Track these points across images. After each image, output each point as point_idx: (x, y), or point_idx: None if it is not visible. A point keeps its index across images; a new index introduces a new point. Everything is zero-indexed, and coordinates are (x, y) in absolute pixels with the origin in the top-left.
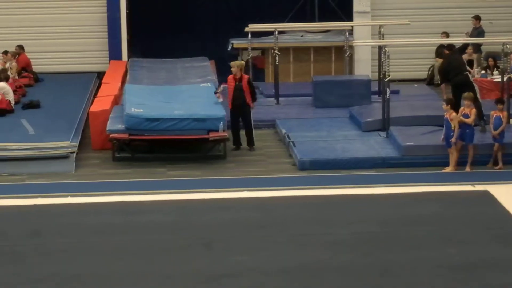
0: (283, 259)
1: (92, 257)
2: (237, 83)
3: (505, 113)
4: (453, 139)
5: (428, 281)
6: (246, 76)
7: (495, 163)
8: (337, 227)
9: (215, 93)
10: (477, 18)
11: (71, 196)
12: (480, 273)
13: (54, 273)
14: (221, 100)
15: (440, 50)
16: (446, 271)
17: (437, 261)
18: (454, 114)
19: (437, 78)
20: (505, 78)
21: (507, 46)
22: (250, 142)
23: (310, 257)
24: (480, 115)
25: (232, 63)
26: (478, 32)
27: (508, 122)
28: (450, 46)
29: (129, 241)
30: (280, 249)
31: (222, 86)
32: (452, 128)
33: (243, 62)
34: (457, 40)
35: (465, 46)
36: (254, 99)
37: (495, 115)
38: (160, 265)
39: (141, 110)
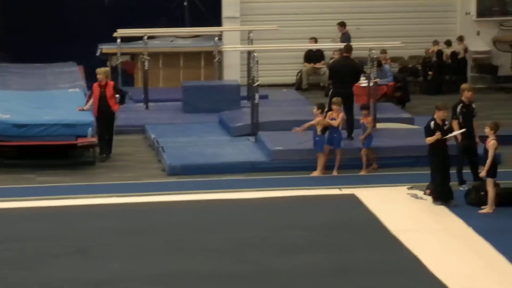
0: (159, 266)
1: None
2: (102, 90)
3: (370, 119)
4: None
5: (300, 286)
6: (111, 83)
7: (368, 167)
8: (211, 232)
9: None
10: (342, 24)
11: None
12: (350, 277)
13: None
14: (87, 107)
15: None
16: (318, 276)
17: (308, 266)
18: (320, 118)
19: (305, 83)
20: (371, 83)
21: (373, 51)
22: (108, 150)
23: (186, 264)
24: (351, 131)
25: (98, 70)
26: (344, 37)
27: (374, 126)
28: (348, 48)
29: (2, 249)
30: (155, 256)
31: (88, 104)
32: (318, 133)
33: (108, 68)
34: (325, 46)
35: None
36: (122, 102)
37: (361, 121)
38: (36, 273)
39: (8, 116)
